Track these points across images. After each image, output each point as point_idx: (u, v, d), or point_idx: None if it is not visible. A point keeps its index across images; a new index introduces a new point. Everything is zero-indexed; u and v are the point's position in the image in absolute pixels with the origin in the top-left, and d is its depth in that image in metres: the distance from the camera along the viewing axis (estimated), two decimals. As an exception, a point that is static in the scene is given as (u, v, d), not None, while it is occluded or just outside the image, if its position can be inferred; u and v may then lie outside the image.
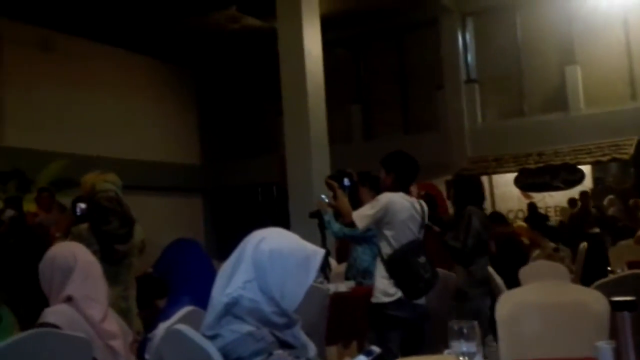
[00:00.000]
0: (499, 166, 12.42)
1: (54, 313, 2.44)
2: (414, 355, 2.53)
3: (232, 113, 15.84)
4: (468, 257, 4.44)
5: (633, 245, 6.91)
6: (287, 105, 8.55)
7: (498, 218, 7.21)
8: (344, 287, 4.61)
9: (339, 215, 4.30)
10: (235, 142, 15.82)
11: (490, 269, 4.65)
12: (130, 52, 13.53)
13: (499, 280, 4.59)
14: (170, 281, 2.86)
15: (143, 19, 11.90)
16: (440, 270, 4.03)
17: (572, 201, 11.30)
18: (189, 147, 15.54)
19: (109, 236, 3.73)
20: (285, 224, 7.07)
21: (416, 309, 3.72)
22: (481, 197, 4.81)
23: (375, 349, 1.73)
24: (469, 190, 4.77)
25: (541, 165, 11.89)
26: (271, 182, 13.72)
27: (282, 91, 8.56)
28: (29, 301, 3.03)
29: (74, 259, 2.56)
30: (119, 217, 3.79)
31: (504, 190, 12.68)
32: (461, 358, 1.88)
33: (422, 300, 3.75)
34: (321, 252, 1.81)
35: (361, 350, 1.93)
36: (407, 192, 3.84)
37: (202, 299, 2.06)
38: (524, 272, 4.74)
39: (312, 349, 1.85)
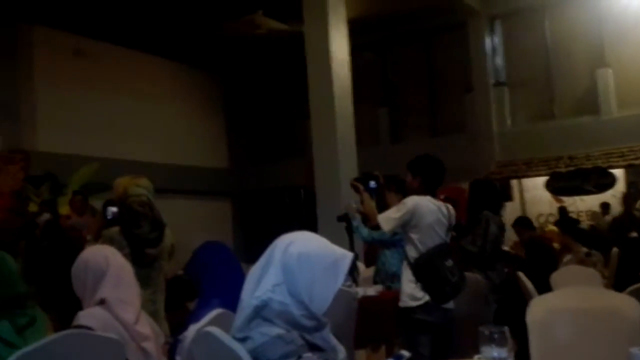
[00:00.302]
0: (529, 170, 12.28)
1: (88, 316, 2.47)
2: (443, 360, 2.52)
3: (259, 117, 15.93)
4: (486, 262, 4.40)
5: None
6: (315, 108, 8.56)
7: (525, 223, 7.11)
8: (372, 290, 4.60)
9: (366, 219, 4.28)
10: (262, 146, 15.90)
11: (521, 274, 4.61)
12: (159, 58, 13.70)
13: (529, 285, 4.54)
14: (200, 283, 2.89)
15: (171, 25, 12.05)
16: (470, 275, 4.00)
17: (604, 205, 11.12)
18: (217, 151, 15.66)
19: (140, 240, 3.76)
20: (313, 228, 7.08)
21: (445, 313, 3.69)
22: (497, 202, 4.76)
23: (405, 353, 1.73)
24: (485, 194, 4.73)
25: (572, 169, 11.73)
26: (298, 186, 13.74)
27: (309, 95, 8.58)
28: (62, 304, 3.07)
29: (106, 262, 2.58)
30: (150, 221, 3.82)
31: (534, 193, 12.54)
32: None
33: (450, 304, 3.72)
34: (349, 255, 1.81)
35: (390, 354, 1.93)
36: (434, 195, 3.82)
37: (231, 302, 2.07)
38: (555, 277, 4.69)
39: (341, 352, 1.86)
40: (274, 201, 15.62)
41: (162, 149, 13.39)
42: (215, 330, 1.95)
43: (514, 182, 12.56)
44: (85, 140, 11.65)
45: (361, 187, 3.99)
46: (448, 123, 13.77)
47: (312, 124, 8.65)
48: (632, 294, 3.21)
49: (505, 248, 7.43)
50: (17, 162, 10.34)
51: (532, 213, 11.59)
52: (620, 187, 11.63)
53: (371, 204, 3.95)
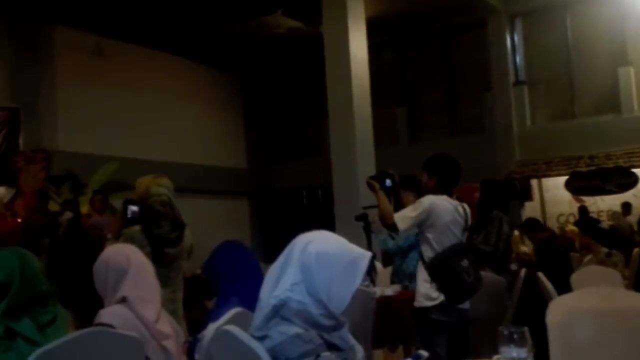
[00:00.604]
0: (549, 169, 12.17)
1: (109, 314, 2.49)
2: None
3: (278, 117, 15.97)
4: (499, 261, 4.38)
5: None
6: (333, 108, 8.57)
7: (535, 225, 6.96)
8: (390, 290, 4.60)
9: (382, 217, 4.27)
10: (281, 146, 15.94)
11: (541, 275, 4.58)
12: (178, 58, 13.79)
13: (549, 286, 4.51)
14: (218, 282, 2.90)
15: (191, 25, 12.12)
16: (488, 275, 3.98)
17: (625, 205, 10.98)
18: (236, 151, 15.73)
19: (161, 240, 3.79)
20: (331, 227, 7.08)
21: (460, 313, 3.67)
22: (506, 202, 4.74)
23: (424, 353, 1.73)
24: (495, 193, 4.70)
25: (593, 168, 11.60)
26: (317, 185, 13.76)
27: (328, 94, 8.59)
28: (84, 302, 3.10)
29: (127, 261, 2.61)
30: (170, 221, 3.85)
31: (554, 193, 12.43)
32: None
33: (466, 305, 3.68)
34: (368, 255, 1.81)
35: (408, 354, 1.93)
36: (451, 195, 3.80)
37: (249, 301, 2.09)
38: (575, 278, 4.64)
39: (359, 352, 1.86)
40: (292, 201, 15.66)
41: (181, 148, 13.48)
42: (234, 329, 1.96)
43: (534, 182, 12.46)
44: (106, 140, 11.76)
45: (377, 185, 3.97)
46: (467, 122, 13.70)
47: (331, 123, 8.65)
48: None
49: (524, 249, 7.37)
50: (39, 161, 10.46)
51: (552, 213, 11.49)
52: (642, 187, 11.48)
53: (387, 203, 3.94)
